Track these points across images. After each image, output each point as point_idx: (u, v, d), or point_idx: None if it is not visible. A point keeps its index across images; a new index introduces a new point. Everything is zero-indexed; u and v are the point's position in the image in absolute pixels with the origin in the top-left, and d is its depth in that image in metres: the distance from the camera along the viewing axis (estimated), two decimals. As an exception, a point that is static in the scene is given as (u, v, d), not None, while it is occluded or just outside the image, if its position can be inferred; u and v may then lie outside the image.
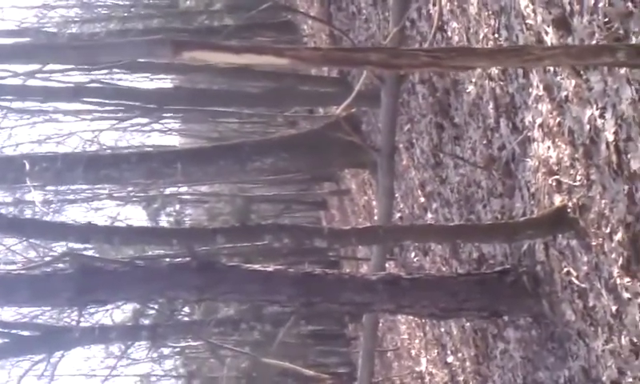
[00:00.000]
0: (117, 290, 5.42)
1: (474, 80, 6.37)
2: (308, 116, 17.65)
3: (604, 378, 4.76)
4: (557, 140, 4.85)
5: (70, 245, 5.71)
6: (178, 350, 21.68)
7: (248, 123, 21.64)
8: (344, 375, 23.35)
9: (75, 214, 22.78)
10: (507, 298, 5.60)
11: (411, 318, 11.88)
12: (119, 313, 19.33)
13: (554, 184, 4.96)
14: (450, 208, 8.03)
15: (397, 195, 10.06)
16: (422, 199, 9.31)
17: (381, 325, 12.92)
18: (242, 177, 17.70)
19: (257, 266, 5.58)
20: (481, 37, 5.97)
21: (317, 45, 17.87)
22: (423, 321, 11.05)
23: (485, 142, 6.33)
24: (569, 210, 4.77)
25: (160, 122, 22.04)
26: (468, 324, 8.20)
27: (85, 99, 12.50)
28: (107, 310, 19.50)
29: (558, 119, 4.79)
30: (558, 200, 4.93)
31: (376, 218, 13.92)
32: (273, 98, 12.01)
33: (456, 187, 7.62)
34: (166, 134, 24.10)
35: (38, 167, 9.27)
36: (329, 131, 12.24)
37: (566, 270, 5.02)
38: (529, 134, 5.35)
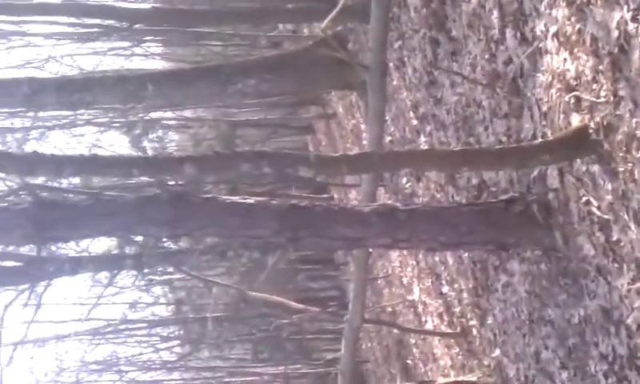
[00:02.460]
0: (78, 225, 4.82)
1: (475, -14, 5.72)
2: (292, 36, 16.95)
3: (629, 321, 4.21)
4: (576, 50, 4.22)
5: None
6: (164, 278, 21.33)
7: (232, 46, 20.93)
8: (334, 300, 23.05)
9: (57, 142, 22.07)
10: (515, 230, 5.02)
11: (403, 245, 11.38)
12: (105, 241, 18.89)
13: (571, 101, 4.35)
14: (445, 131, 7.43)
15: (387, 118, 9.46)
16: (415, 122, 8.71)
17: (371, 251, 12.45)
18: (226, 100, 17.07)
19: (236, 198, 4.99)
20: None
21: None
22: (416, 249, 10.55)
23: (487, 56, 5.69)
24: (590, 131, 4.16)
25: (141, 45, 21.34)
26: (466, 254, 7.67)
27: (59, 19, 11.81)
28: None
29: (578, 26, 4.16)
30: (576, 120, 4.32)
31: (365, 142, 13.33)
32: (255, 15, 11.29)
33: (453, 108, 7.01)
34: (148, 59, 23.33)
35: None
36: (314, 51, 11.61)
37: (584, 199, 4.43)
38: (540, 45, 4.72)
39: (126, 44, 20.87)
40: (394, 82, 9.22)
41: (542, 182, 4.97)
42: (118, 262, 12.77)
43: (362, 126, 13.16)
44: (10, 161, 4.21)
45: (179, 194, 4.92)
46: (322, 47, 11.25)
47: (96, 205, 4.89)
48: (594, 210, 4.34)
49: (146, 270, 14.11)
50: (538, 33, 4.73)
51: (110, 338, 21.33)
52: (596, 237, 4.42)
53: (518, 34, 5.05)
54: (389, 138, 10.10)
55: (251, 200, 4.98)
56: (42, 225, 4.76)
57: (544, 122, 4.79)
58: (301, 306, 9.26)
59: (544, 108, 4.77)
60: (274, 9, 11.51)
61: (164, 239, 4.88)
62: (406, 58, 8.47)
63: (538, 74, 4.78)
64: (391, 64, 9.00)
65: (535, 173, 5.04)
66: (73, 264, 11.74)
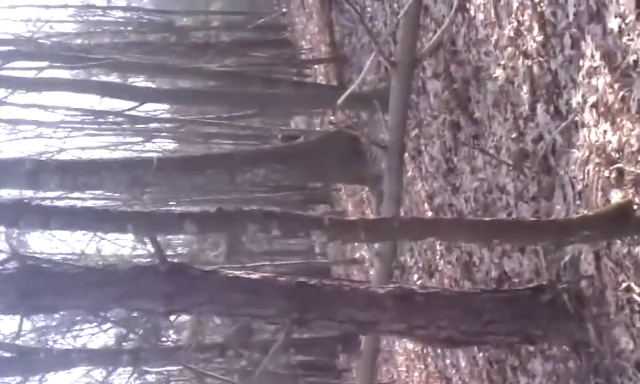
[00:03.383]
0: (66, 295, 4.41)
1: (502, 63, 5.39)
2: (305, 131, 16.78)
3: (672, 424, 3.75)
4: (619, 120, 3.86)
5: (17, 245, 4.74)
6: (162, 377, 20.76)
7: (244, 145, 20.82)
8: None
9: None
10: (542, 321, 4.55)
11: (411, 347, 10.88)
12: (103, 336, 18.51)
13: (612, 176, 3.96)
14: (463, 221, 7.04)
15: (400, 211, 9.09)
16: (430, 213, 8.33)
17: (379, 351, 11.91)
18: (233, 194, 16.80)
19: (240, 273, 4.58)
20: (515, 7, 5.01)
21: (315, 57, 16.98)
22: (424, 351, 10.05)
23: (514, 135, 5.33)
24: (635, 207, 3.77)
25: (152, 141, 21.32)
26: (480, 354, 7.19)
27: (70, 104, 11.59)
28: (92, 334, 18.66)
29: (622, 93, 3.80)
30: (617, 196, 3.93)
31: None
32: (267, 101, 11.02)
33: (472, 196, 6.63)
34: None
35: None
36: (326, 142, 11.32)
37: (624, 285, 4.00)
38: (576, 118, 4.36)
39: (138, 139, 20.84)
40: (409, 173, 8.88)
41: (575, 269, 4.54)
42: (114, 357, 12.32)
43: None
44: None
45: (178, 265, 4.53)
46: (336, 134, 10.98)
47: (86, 274, 4.51)
48: (636, 296, 3.91)
49: (143, 367, 13.63)
50: (574, 105, 4.38)
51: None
52: (636, 328, 3.98)
53: (551, 108, 4.69)
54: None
55: (256, 275, 4.58)
56: (28, 292, 4.36)
57: (578, 202, 4.40)
58: (302, 404, 8.72)
59: (579, 186, 4.38)
60: (285, 95, 11.24)
61: (158, 315, 4.42)
62: (423, 147, 8.15)
63: (573, 150, 4.42)
64: (406, 154, 8.67)
65: (567, 258, 4.63)
66: (68, 358, 11.33)
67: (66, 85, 10.55)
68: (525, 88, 5.04)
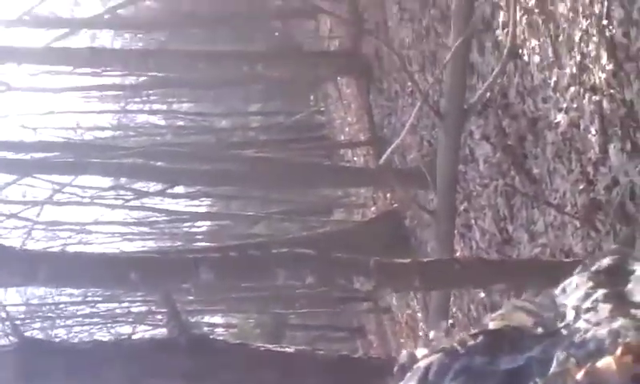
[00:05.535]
0: (73, 374, 3.82)
1: (564, 106, 4.80)
2: (344, 221, 16.29)
3: None
4: None
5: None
6: None
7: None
8: None
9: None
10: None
11: None
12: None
13: None
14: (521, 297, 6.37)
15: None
16: (482, 294, 7.66)
17: None
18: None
19: (272, 347, 3.98)
20: (577, 38, 4.44)
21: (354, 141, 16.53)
22: None
23: (582, 186, 4.71)
24: None
25: (192, 244, 20.97)
26: None
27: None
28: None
29: None
30: None
31: (420, 333, 12.23)
32: (308, 183, 10.51)
33: (532, 266, 5.97)
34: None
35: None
36: (367, 229, 10.79)
37: None
38: (660, 152, 3.76)
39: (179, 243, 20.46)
40: (457, 253, 8.22)
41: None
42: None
43: (419, 315, 12.14)
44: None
45: (200, 338, 3.94)
46: (378, 219, 10.43)
47: (97, 349, 3.92)
48: None
49: None
50: (657, 137, 3.78)
51: None
52: None
53: (627, 146, 4.08)
54: (450, 321, 8.99)
55: (291, 349, 3.97)
56: (29, 371, 3.78)
57: (667, 249, 3.76)
58: None
59: (667, 231, 3.75)
60: (326, 177, 10.72)
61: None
62: (472, 221, 7.53)
63: (658, 189, 3.80)
64: (455, 232, 8.06)
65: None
66: None
67: (96, 169, 10.15)
68: (593, 129, 4.44)
